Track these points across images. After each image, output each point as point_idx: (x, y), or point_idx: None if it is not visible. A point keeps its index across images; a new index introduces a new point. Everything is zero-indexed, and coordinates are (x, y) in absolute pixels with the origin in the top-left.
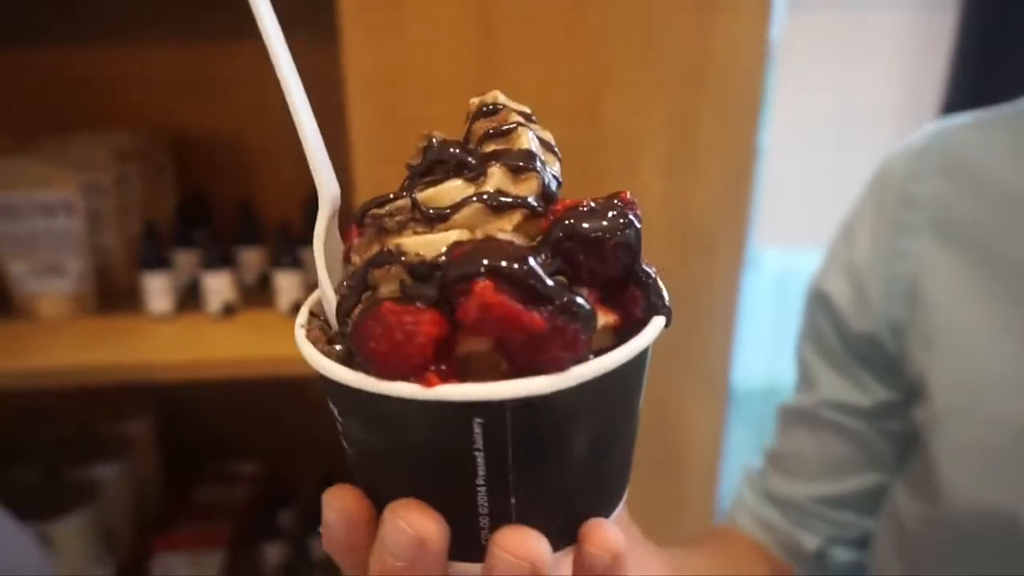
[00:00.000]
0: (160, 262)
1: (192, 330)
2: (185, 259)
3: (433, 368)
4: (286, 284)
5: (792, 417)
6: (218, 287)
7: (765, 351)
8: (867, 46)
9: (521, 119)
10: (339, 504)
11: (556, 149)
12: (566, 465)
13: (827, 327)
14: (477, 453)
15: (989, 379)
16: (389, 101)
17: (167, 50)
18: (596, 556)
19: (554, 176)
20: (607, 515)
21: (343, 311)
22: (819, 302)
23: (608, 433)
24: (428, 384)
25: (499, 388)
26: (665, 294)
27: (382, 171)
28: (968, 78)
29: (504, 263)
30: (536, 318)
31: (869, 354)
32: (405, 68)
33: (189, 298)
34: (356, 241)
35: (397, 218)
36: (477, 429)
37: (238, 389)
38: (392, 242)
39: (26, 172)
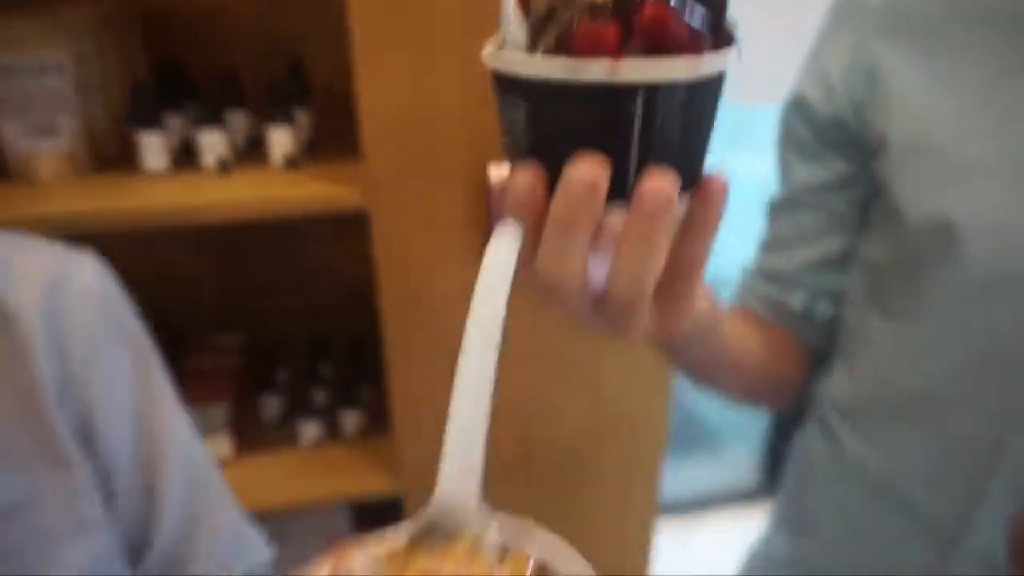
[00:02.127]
0: (151, 120)
1: (190, 185)
2: (175, 121)
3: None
4: (278, 139)
5: (774, 207)
6: (212, 143)
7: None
8: None
9: None
10: (526, 173)
11: None
12: (688, 134)
13: (800, 125)
14: (636, 120)
15: (933, 119)
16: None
17: None
18: (717, 195)
19: None
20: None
21: (535, 32)
22: (794, 106)
23: (710, 121)
24: (617, 66)
25: (667, 66)
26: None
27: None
28: None
29: None
30: (683, 25)
31: (835, 136)
32: None
33: (183, 157)
34: None
35: None
36: (640, 102)
37: (223, 257)
38: None
39: (15, 33)
